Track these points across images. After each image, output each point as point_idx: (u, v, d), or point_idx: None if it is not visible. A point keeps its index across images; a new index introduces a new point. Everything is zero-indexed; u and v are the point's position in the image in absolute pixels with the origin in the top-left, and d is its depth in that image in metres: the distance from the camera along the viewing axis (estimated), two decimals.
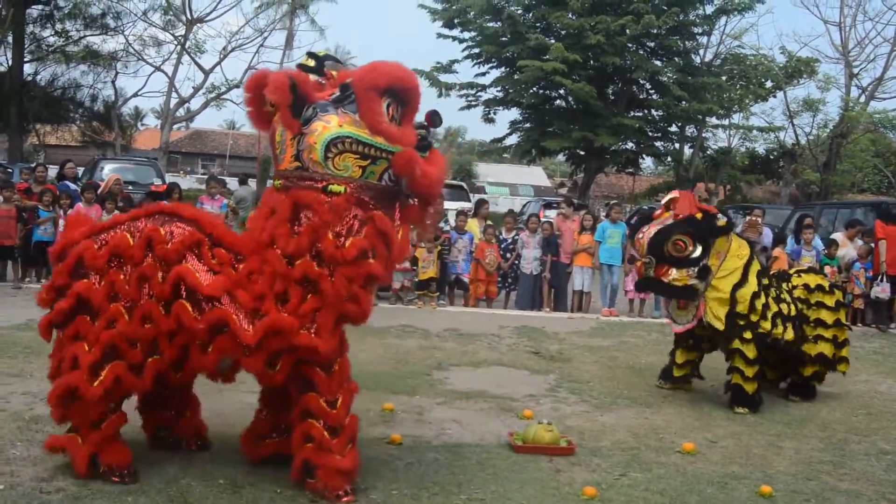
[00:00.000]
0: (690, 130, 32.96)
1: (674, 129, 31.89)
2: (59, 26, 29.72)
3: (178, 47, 31.46)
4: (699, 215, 7.02)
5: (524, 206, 29.25)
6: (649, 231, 7.11)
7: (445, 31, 30.35)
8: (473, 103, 31.20)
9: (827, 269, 12.50)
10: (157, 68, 32.09)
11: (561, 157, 38.27)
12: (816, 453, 5.91)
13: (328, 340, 4.29)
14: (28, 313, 9.14)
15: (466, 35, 30.23)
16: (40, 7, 29.08)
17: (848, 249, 13.14)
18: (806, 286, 7.70)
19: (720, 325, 6.94)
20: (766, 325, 7.01)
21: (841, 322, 7.72)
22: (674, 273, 6.94)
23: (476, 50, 29.85)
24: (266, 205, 4.54)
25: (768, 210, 19.40)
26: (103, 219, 11.54)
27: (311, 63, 4.54)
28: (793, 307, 7.40)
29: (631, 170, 35.63)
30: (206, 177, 21.61)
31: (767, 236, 13.00)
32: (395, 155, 4.31)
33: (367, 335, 9.34)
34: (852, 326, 12.67)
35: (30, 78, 29.92)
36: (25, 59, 28.84)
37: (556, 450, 5.45)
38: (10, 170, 17.53)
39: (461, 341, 9.52)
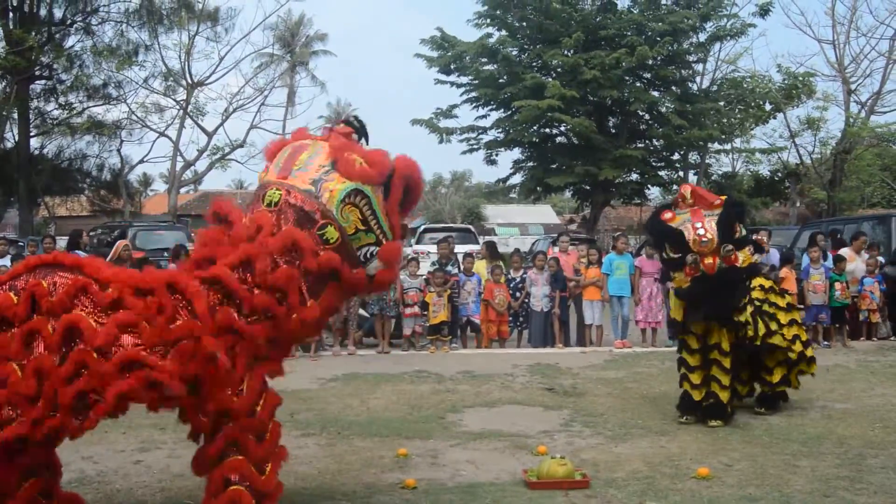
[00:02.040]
0: (693, 157, 33.08)
1: (676, 157, 32.02)
2: (62, 99, 30.14)
3: (181, 112, 31.87)
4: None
5: (533, 244, 29.32)
6: (707, 225, 7.10)
7: (443, 77, 30.69)
8: (475, 146, 31.42)
9: (837, 286, 12.52)
10: (162, 134, 32.50)
11: (567, 194, 38.38)
12: (833, 469, 5.89)
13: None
14: None
15: (464, 79, 30.54)
16: (43, 82, 29.55)
17: (857, 263, 13.13)
18: (762, 287, 7.95)
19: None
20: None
21: (797, 322, 8.02)
22: (741, 256, 7.15)
23: (474, 93, 30.14)
24: (255, 223, 4.48)
25: (777, 231, 19.46)
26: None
27: (357, 125, 4.96)
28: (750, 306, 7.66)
29: (638, 201, 35.66)
30: None
31: (774, 256, 13.02)
32: (388, 243, 4.65)
33: (380, 382, 9.42)
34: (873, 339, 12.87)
35: (37, 152, 30.30)
36: (31, 134, 29.24)
37: (571, 483, 5.46)
38: (20, 243, 17.69)
39: (475, 383, 9.53)
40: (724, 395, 7.32)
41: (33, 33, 26.26)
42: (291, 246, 4.34)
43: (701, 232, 7.05)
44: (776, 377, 7.81)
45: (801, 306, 12.12)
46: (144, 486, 5.63)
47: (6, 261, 12.29)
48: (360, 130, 4.92)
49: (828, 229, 16.07)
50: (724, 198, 7.41)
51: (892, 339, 13.09)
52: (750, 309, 7.56)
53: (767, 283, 8.07)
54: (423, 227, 26.50)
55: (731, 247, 7.04)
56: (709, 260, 7.07)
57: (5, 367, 4.03)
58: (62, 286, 4.16)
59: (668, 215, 7.36)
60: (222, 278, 4.26)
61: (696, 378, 7.56)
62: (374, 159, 4.61)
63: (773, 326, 7.75)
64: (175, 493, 5.40)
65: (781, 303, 7.93)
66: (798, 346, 7.86)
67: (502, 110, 30.23)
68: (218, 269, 4.30)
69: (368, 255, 4.62)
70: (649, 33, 28.20)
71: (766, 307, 7.79)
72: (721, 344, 7.34)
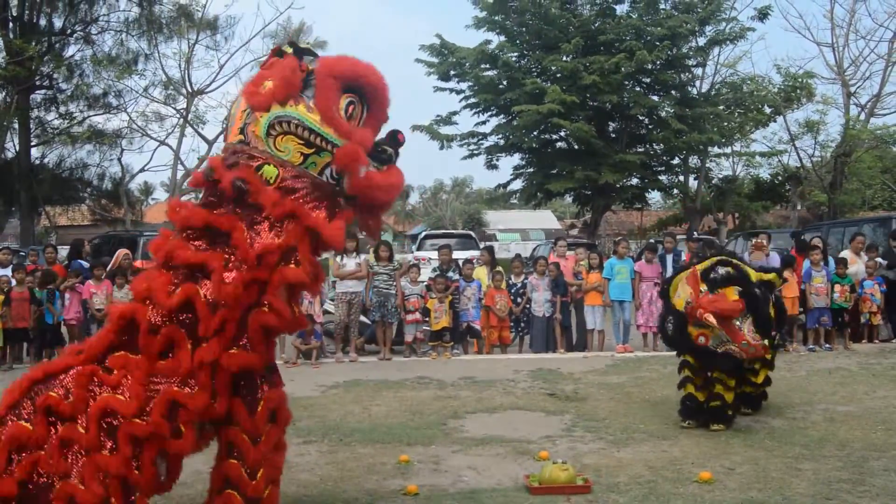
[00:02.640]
0: (694, 161, 33.06)
1: (676, 161, 32.02)
2: (62, 109, 30.14)
3: (181, 120, 31.81)
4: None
5: (534, 249, 29.34)
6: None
7: (442, 84, 30.71)
8: (476, 152, 31.43)
9: (837, 289, 12.51)
10: (162, 142, 32.39)
11: (568, 199, 38.44)
12: (835, 472, 5.88)
13: (253, 352, 4.15)
14: None
15: (463, 86, 30.56)
16: (43, 92, 29.57)
17: (859, 265, 13.11)
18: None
19: None
20: None
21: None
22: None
23: (474, 99, 30.14)
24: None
25: (778, 234, 19.44)
26: (115, 294, 11.70)
27: (289, 50, 4.41)
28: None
29: (638, 205, 35.66)
30: None
31: (775, 260, 13.00)
32: (338, 148, 4.17)
33: (382, 389, 9.43)
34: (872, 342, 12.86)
35: (37, 161, 30.27)
36: (32, 144, 29.21)
37: (573, 488, 5.46)
38: (22, 253, 17.70)
39: (476, 388, 9.53)
40: (729, 397, 7.29)
41: (33, 43, 26.27)
42: (199, 182, 4.21)
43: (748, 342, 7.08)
44: (760, 378, 7.88)
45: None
46: None
47: (7, 270, 12.30)
48: (295, 53, 4.38)
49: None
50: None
51: (894, 341, 13.06)
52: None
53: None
54: (424, 234, 26.53)
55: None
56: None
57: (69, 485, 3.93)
58: (71, 385, 4.06)
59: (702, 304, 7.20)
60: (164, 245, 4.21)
61: (698, 381, 7.54)
62: (280, 74, 4.21)
63: None
64: (177, 502, 5.39)
65: None
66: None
67: (502, 116, 30.25)
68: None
69: (336, 175, 4.26)
70: (648, 38, 28.22)
71: None
72: None
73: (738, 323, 7.05)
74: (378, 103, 4.36)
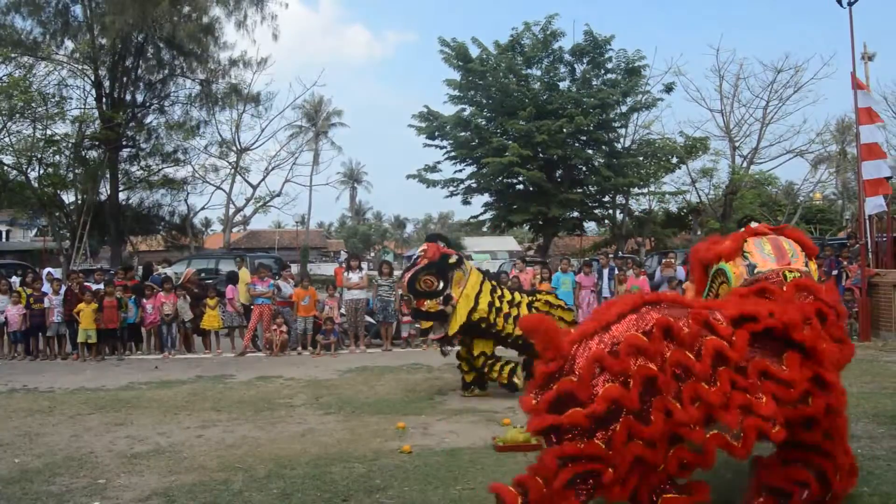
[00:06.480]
0: (620, 199, 33.13)
1: (607, 199, 32.09)
2: (143, 162, 29.96)
3: (232, 170, 31.77)
4: (437, 258, 7.57)
5: (500, 266, 29.35)
6: (405, 276, 7.67)
7: (429, 142, 30.72)
8: (455, 193, 31.42)
9: None
10: (218, 187, 32.25)
11: (525, 227, 38.42)
12: None
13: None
14: (128, 378, 9.23)
15: (444, 143, 30.56)
16: (128, 150, 29.43)
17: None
18: (548, 303, 8.18)
19: (461, 321, 7.53)
20: (500, 322, 7.62)
21: None
22: (428, 303, 7.49)
23: (453, 153, 30.15)
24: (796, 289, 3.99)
25: (683, 253, 19.50)
26: (179, 305, 11.65)
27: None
28: (524, 309, 7.77)
29: (578, 232, 35.70)
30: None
31: (681, 273, 13.06)
32: None
33: (384, 373, 9.41)
34: None
35: (124, 202, 30.06)
36: (119, 189, 29.04)
37: (530, 447, 5.42)
38: (111, 272, 17.63)
39: (456, 372, 9.37)
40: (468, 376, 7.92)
41: (121, 113, 26.20)
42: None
43: (402, 280, 7.89)
44: None
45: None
46: (205, 454, 5.59)
47: (100, 285, 12.21)
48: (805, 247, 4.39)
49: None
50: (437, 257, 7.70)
51: None
52: (506, 310, 7.70)
53: (555, 301, 8.27)
54: (415, 255, 26.45)
55: (408, 296, 7.92)
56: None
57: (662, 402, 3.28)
58: (686, 320, 3.48)
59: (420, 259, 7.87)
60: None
61: (465, 367, 8.07)
62: (805, 242, 4.40)
63: None
64: (228, 460, 5.36)
65: (568, 317, 8.10)
66: None
67: (475, 166, 30.22)
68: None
69: None
70: (584, 106, 28.24)
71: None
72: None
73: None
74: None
